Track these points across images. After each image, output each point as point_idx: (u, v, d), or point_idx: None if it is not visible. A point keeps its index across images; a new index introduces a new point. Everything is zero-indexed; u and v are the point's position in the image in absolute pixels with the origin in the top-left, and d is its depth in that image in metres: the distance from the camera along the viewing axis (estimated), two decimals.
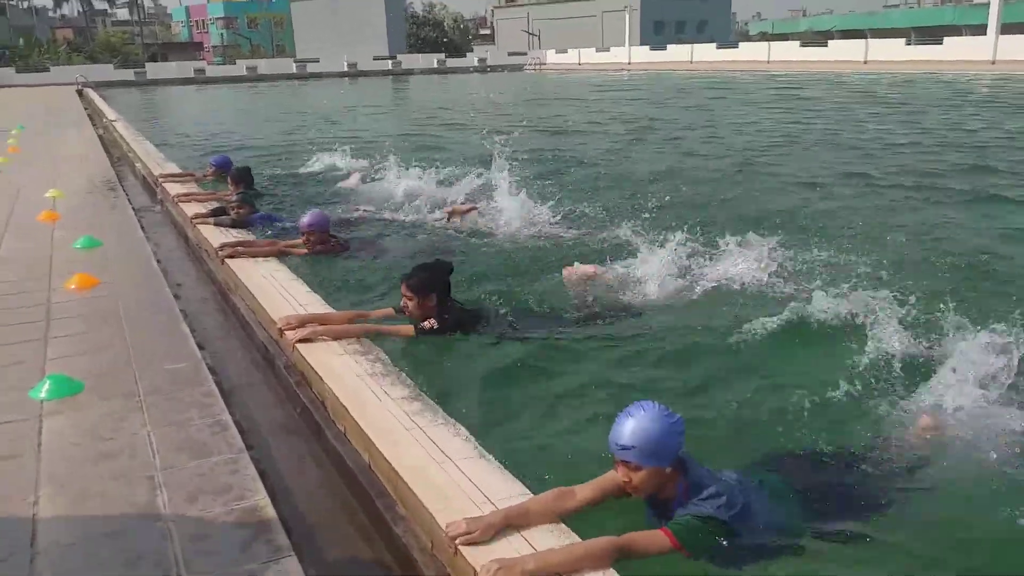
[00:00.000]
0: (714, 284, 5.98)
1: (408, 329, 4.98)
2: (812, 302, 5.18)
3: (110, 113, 24.78)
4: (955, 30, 66.73)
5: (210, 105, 35.56)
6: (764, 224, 7.31)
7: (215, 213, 8.47)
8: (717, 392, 4.37)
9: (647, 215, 7.85)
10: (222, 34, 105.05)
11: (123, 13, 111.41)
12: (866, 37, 66.12)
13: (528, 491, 3.05)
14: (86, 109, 29.24)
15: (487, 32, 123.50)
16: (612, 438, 2.86)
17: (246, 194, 8.57)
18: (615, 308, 5.64)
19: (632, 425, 2.82)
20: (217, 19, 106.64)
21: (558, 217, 8.25)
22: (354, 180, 11.01)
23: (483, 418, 3.96)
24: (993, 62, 38.88)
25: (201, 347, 4.95)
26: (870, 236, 7.31)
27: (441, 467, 3.22)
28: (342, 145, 13.23)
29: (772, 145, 15.07)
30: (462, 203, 8.39)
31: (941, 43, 42.79)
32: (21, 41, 66.14)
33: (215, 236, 7.62)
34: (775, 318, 5.06)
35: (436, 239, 7.80)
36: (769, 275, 5.99)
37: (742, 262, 6.10)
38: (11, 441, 3.66)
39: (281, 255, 6.96)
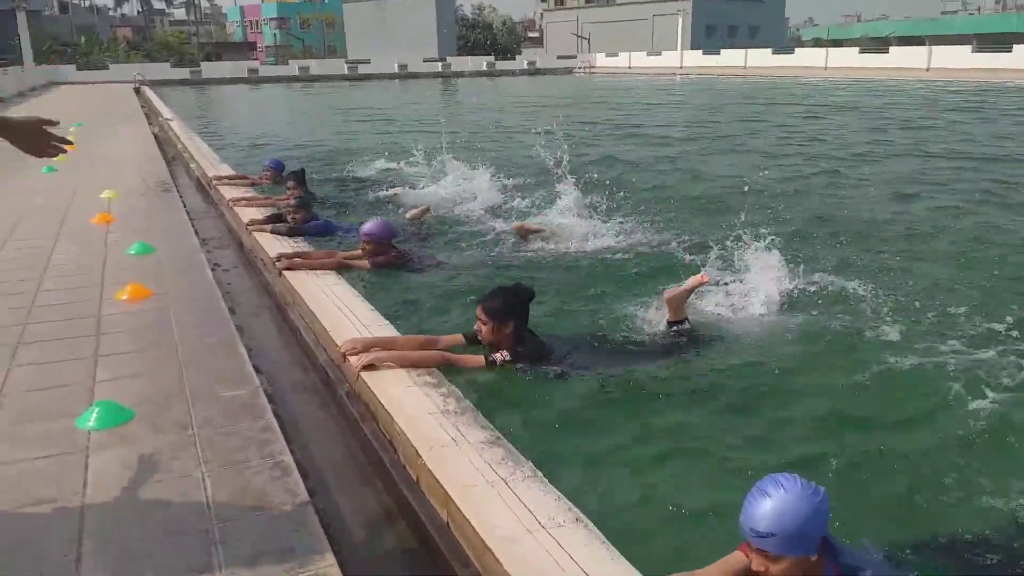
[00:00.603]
0: (811, 311, 5.47)
1: (478, 360, 4.56)
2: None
3: (165, 111, 24.95)
4: (1019, 38, 64.56)
5: (263, 105, 35.82)
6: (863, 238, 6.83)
7: (271, 219, 8.19)
8: (828, 442, 3.87)
9: (727, 229, 7.35)
10: (275, 34, 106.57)
11: (180, 13, 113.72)
12: (925, 43, 64.46)
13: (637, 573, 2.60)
14: (143, 107, 29.56)
15: (535, 35, 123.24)
16: (746, 522, 2.38)
17: (303, 198, 8.25)
18: (704, 331, 5.16)
19: (770, 507, 2.33)
20: (270, 19, 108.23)
21: (626, 232, 7.79)
22: (410, 188, 10.67)
23: (572, 471, 3.53)
24: None
25: (258, 370, 4.59)
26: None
27: (535, 537, 2.79)
28: (402, 149, 12.90)
29: (854, 155, 14.38)
30: (532, 224, 7.94)
31: (1010, 51, 41.14)
32: (83, 39, 67.64)
33: (271, 245, 7.32)
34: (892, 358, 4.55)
35: (502, 254, 7.38)
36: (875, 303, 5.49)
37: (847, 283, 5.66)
38: (55, 481, 3.33)
39: (340, 267, 6.61)
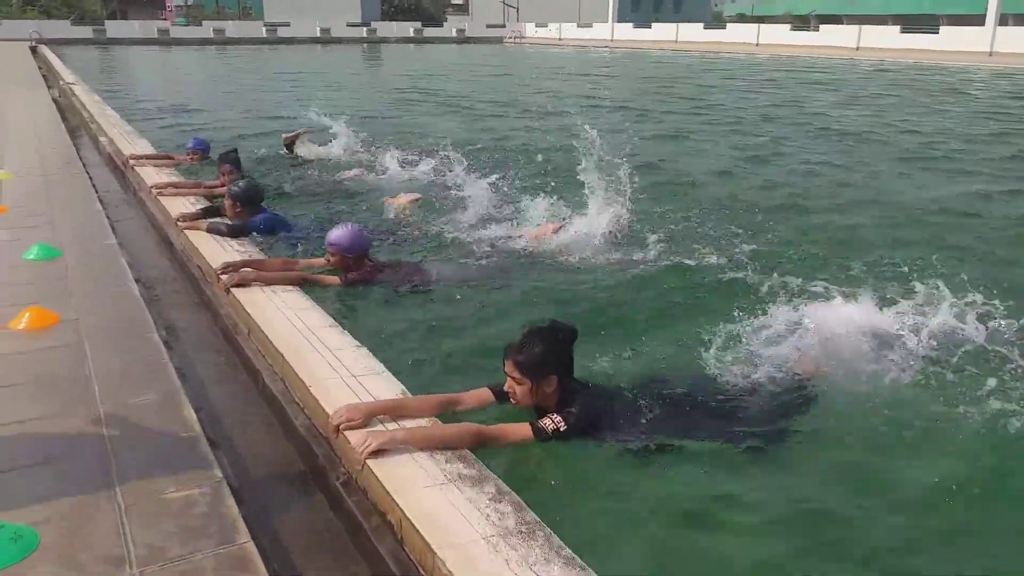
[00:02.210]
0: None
1: (523, 432, 3.41)
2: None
3: (67, 75, 22.51)
4: (932, 19, 66.20)
5: (178, 69, 33.15)
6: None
7: (206, 213, 6.77)
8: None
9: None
10: None
11: None
12: (843, 22, 65.24)
13: None
14: (40, 69, 26.81)
15: (459, 2, 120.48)
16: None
17: (244, 187, 6.73)
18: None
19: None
20: None
21: (653, 239, 6.69)
22: (371, 171, 9.31)
23: None
24: (991, 53, 38.01)
25: (213, 444, 3.35)
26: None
27: None
28: (349, 123, 11.37)
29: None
30: (551, 223, 6.73)
31: (937, 32, 41.79)
32: None
33: (211, 249, 5.93)
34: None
35: (500, 262, 6.19)
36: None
37: None
38: None
39: (302, 283, 5.32)
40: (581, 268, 6.07)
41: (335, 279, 5.45)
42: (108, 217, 7.23)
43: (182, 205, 7.30)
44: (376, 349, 4.25)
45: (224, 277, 5.19)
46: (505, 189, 7.99)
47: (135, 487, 2.97)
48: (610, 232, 6.60)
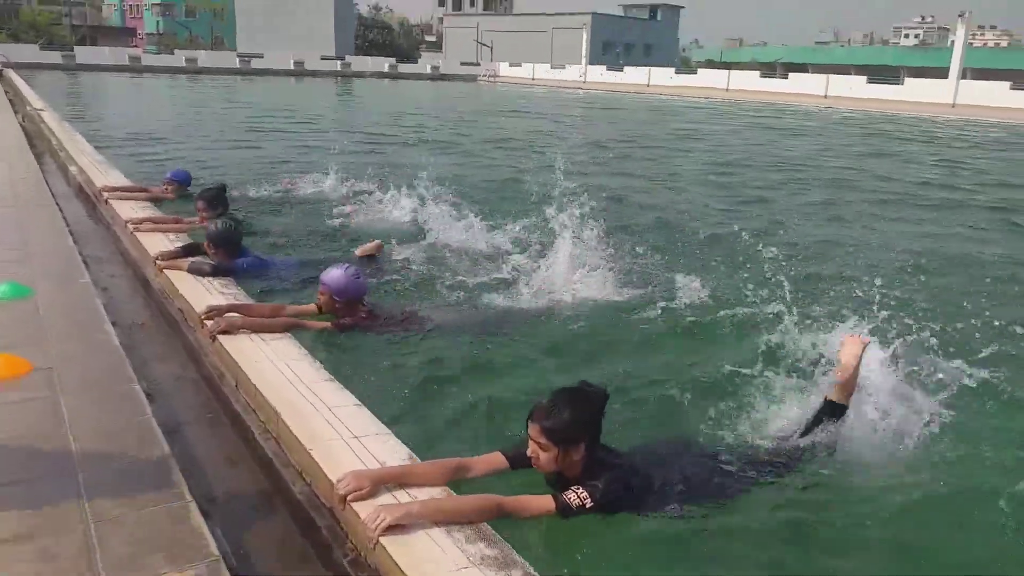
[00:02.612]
0: None
1: (546, 505, 3.16)
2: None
3: (35, 100, 22.00)
4: (893, 71, 68.30)
5: (150, 98, 32.70)
6: None
7: (187, 251, 6.46)
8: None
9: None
10: (158, 21, 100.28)
11: None
12: (808, 70, 67.11)
13: None
14: (7, 92, 26.21)
15: (432, 39, 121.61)
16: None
17: (226, 228, 6.40)
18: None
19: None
20: (153, 5, 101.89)
21: (656, 278, 6.59)
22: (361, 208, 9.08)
23: None
24: (953, 105, 39.11)
25: (207, 515, 3.05)
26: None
27: None
28: (333, 158, 11.14)
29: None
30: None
31: (902, 83, 42.96)
32: None
33: (193, 291, 5.63)
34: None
35: (496, 306, 5.98)
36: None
37: None
38: None
39: (291, 328, 5.04)
40: (581, 312, 5.88)
41: (326, 324, 5.18)
42: (80, 253, 6.88)
43: (160, 242, 6.98)
44: (376, 406, 3.99)
45: (209, 323, 4.90)
46: (497, 228, 7.83)
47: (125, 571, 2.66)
48: (608, 273, 6.46)
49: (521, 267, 6.84)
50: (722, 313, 5.84)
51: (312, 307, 5.43)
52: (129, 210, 8.21)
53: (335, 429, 3.67)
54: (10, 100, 23.76)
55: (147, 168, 12.41)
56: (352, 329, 5.20)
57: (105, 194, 8.99)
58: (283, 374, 4.29)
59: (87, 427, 3.69)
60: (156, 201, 9.06)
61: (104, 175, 10.39)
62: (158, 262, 6.27)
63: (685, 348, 5.36)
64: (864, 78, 46.69)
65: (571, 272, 6.49)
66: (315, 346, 4.89)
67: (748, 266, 7.11)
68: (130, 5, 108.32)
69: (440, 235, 7.73)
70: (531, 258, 7.01)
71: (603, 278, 6.45)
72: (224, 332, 4.78)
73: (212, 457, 3.78)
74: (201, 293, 5.58)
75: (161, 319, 5.67)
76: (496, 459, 3.43)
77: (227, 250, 6.26)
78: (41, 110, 19.48)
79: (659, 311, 5.87)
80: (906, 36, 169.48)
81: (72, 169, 11.48)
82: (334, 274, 5.26)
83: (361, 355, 4.95)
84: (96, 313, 5.33)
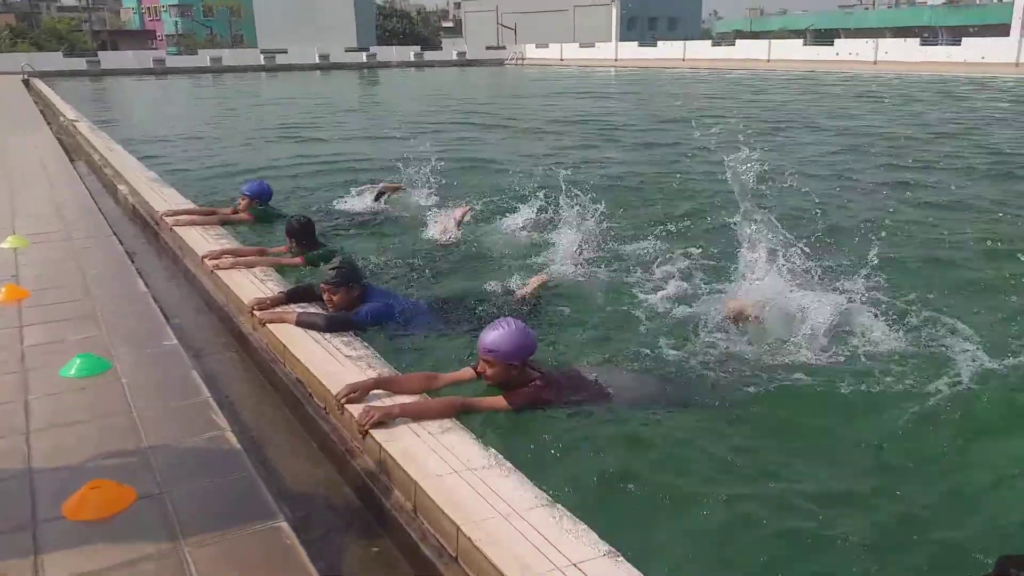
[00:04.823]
0: None
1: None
2: None
3: (68, 111, 21.00)
4: (931, 31, 65.52)
5: (179, 100, 31.68)
6: None
7: (292, 297, 5.24)
8: None
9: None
10: (176, 22, 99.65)
11: None
12: (839, 36, 64.66)
13: None
14: (37, 103, 25.33)
15: (448, 25, 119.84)
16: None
17: (347, 272, 5.14)
18: None
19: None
20: (171, 6, 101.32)
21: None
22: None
23: None
24: (1017, 64, 36.96)
25: None
26: None
27: None
28: (411, 155, 9.82)
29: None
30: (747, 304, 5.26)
31: (959, 43, 40.75)
32: None
33: (317, 362, 4.38)
34: None
35: (677, 364, 4.70)
36: None
37: None
38: None
39: (460, 412, 3.81)
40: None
41: (499, 401, 3.94)
42: (156, 301, 5.72)
43: (249, 283, 5.79)
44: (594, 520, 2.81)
45: (354, 409, 3.69)
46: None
47: None
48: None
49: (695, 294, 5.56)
50: None
51: (468, 373, 4.21)
52: (202, 240, 7.03)
53: (551, 560, 2.46)
54: (41, 111, 22.84)
55: (199, 179, 11.30)
56: (531, 406, 3.96)
57: (168, 220, 7.83)
58: (471, 486, 3.07)
59: None
60: (228, 223, 7.88)
61: (159, 195, 9.25)
62: (256, 313, 5.07)
63: None
64: (917, 40, 44.39)
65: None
66: (484, 430, 3.69)
67: None
68: (148, 8, 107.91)
69: (582, 261, 6.46)
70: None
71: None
72: (380, 424, 3.56)
73: None
74: (326, 362, 4.35)
75: (276, 397, 4.46)
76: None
77: (352, 295, 5.04)
78: (75, 121, 18.48)
79: None
80: None
81: (122, 188, 10.36)
82: (496, 334, 4.00)
83: (534, 436, 3.74)
84: (197, 393, 4.14)
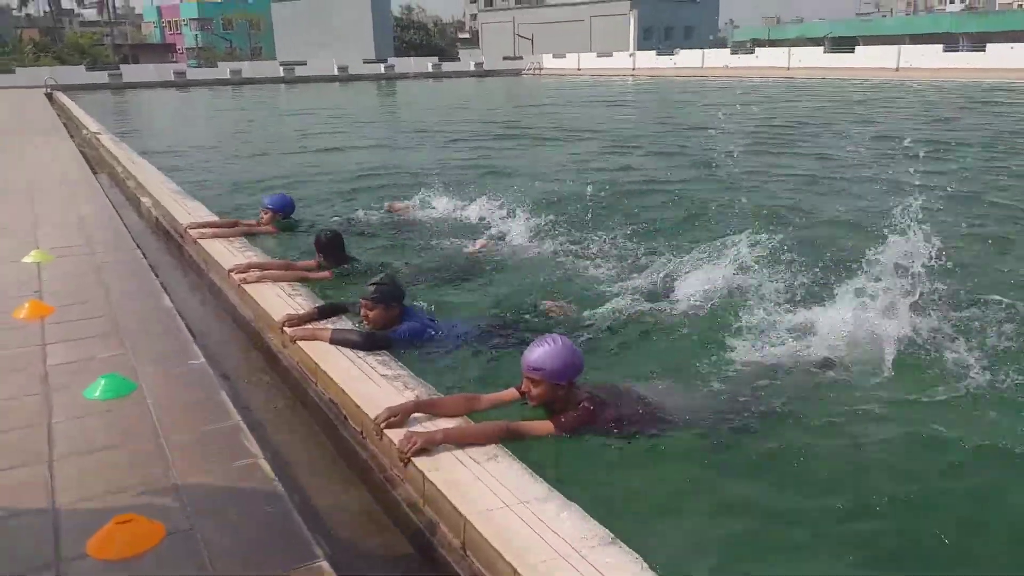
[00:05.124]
0: None
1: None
2: None
3: (91, 123, 21.04)
4: (952, 38, 64.78)
5: (200, 113, 31.76)
6: None
7: (325, 313, 5.04)
8: None
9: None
10: (196, 36, 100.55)
11: (91, 13, 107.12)
12: (858, 43, 64.07)
13: None
14: (59, 116, 25.43)
15: (465, 36, 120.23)
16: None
17: (390, 288, 4.93)
18: None
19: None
20: (191, 20, 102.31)
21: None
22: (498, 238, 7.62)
23: None
24: None
25: None
26: None
27: None
28: (432, 167, 9.68)
29: None
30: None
31: (983, 50, 40.21)
32: None
33: (354, 383, 4.16)
34: None
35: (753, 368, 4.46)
36: None
37: None
38: None
39: (506, 437, 3.58)
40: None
41: (547, 426, 3.70)
42: (181, 316, 5.53)
43: (277, 298, 5.59)
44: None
45: (394, 434, 3.46)
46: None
47: None
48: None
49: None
50: None
51: (511, 394, 3.98)
52: (227, 253, 6.86)
53: None
54: (64, 124, 22.92)
55: (219, 190, 11.18)
56: (581, 430, 3.72)
57: (192, 232, 7.67)
58: (526, 522, 2.83)
59: None
60: (251, 235, 7.71)
61: (182, 207, 9.12)
62: (287, 330, 4.87)
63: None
64: (939, 47, 43.85)
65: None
66: (532, 457, 3.43)
67: None
68: (168, 21, 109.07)
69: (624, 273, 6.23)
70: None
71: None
72: (422, 452, 3.34)
73: None
74: (361, 382, 4.14)
75: (309, 419, 4.25)
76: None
77: (391, 314, 4.82)
78: (98, 133, 18.48)
79: None
80: (951, 1, 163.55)
81: (145, 201, 10.25)
82: (547, 352, 3.76)
83: (601, 471, 3.49)
84: (226, 417, 3.94)
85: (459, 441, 3.42)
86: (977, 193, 10.05)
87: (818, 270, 5.89)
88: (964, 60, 40.64)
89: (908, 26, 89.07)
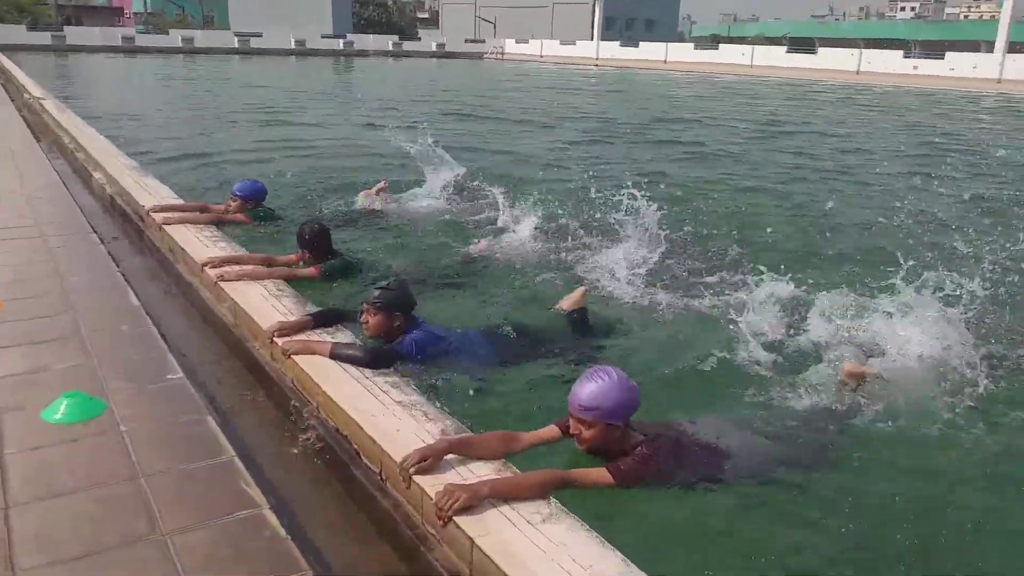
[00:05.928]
0: None
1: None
2: None
3: (34, 88, 19.71)
4: (904, 44, 65.98)
5: (153, 81, 30.23)
6: None
7: (320, 321, 4.43)
8: None
9: None
10: (145, 0, 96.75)
11: None
12: (815, 44, 64.89)
13: None
14: None
15: (424, 16, 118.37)
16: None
17: (398, 294, 4.35)
18: None
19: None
20: None
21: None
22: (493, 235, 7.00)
23: None
24: (999, 80, 37.11)
25: None
26: None
27: None
28: (416, 153, 8.94)
29: None
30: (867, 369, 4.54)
31: (943, 57, 40.85)
32: None
33: (365, 414, 3.58)
34: None
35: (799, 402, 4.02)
36: None
37: None
38: None
39: (557, 487, 3.06)
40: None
41: (603, 476, 3.19)
42: (150, 316, 4.86)
43: (259, 297, 4.95)
44: None
45: (427, 484, 2.92)
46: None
47: None
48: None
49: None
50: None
51: (553, 432, 3.45)
52: (198, 243, 6.15)
53: None
54: (3, 85, 21.50)
55: (181, 171, 10.36)
56: (639, 481, 3.22)
57: (156, 216, 6.93)
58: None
59: None
60: (221, 224, 7.00)
61: (141, 185, 8.31)
62: (278, 340, 4.25)
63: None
64: (899, 52, 44.45)
65: None
66: (590, 515, 2.92)
67: None
68: None
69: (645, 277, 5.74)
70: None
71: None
72: (464, 510, 2.80)
73: None
74: (375, 412, 3.56)
75: (311, 454, 3.65)
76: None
77: (391, 323, 4.24)
78: (42, 99, 17.26)
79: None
80: (902, 9, 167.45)
81: (97, 176, 9.39)
82: (600, 388, 3.24)
83: (672, 533, 3.00)
84: (217, 449, 3.33)
85: (507, 495, 2.89)
86: None
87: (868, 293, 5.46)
88: (924, 67, 41.23)
89: (863, 30, 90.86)
